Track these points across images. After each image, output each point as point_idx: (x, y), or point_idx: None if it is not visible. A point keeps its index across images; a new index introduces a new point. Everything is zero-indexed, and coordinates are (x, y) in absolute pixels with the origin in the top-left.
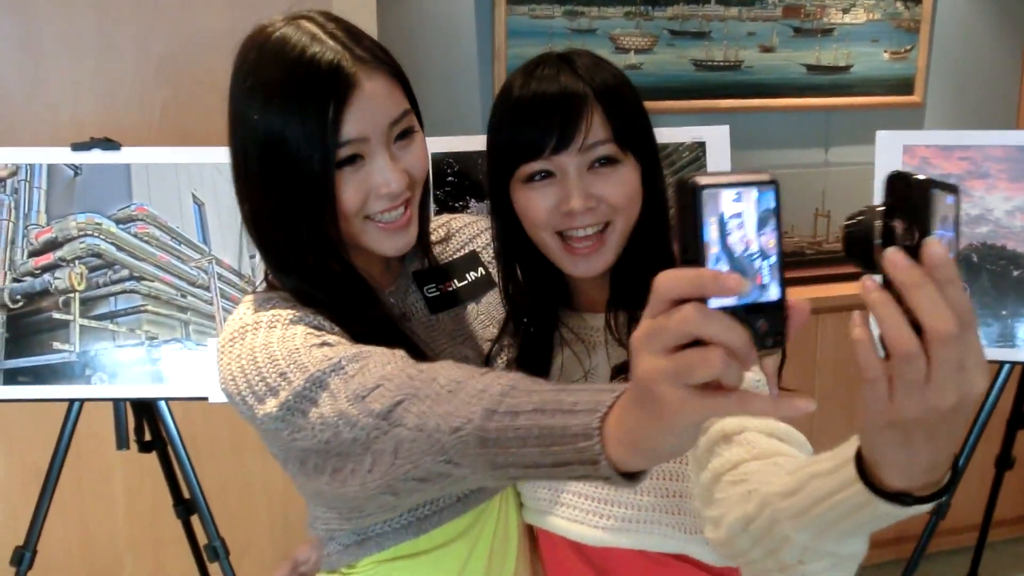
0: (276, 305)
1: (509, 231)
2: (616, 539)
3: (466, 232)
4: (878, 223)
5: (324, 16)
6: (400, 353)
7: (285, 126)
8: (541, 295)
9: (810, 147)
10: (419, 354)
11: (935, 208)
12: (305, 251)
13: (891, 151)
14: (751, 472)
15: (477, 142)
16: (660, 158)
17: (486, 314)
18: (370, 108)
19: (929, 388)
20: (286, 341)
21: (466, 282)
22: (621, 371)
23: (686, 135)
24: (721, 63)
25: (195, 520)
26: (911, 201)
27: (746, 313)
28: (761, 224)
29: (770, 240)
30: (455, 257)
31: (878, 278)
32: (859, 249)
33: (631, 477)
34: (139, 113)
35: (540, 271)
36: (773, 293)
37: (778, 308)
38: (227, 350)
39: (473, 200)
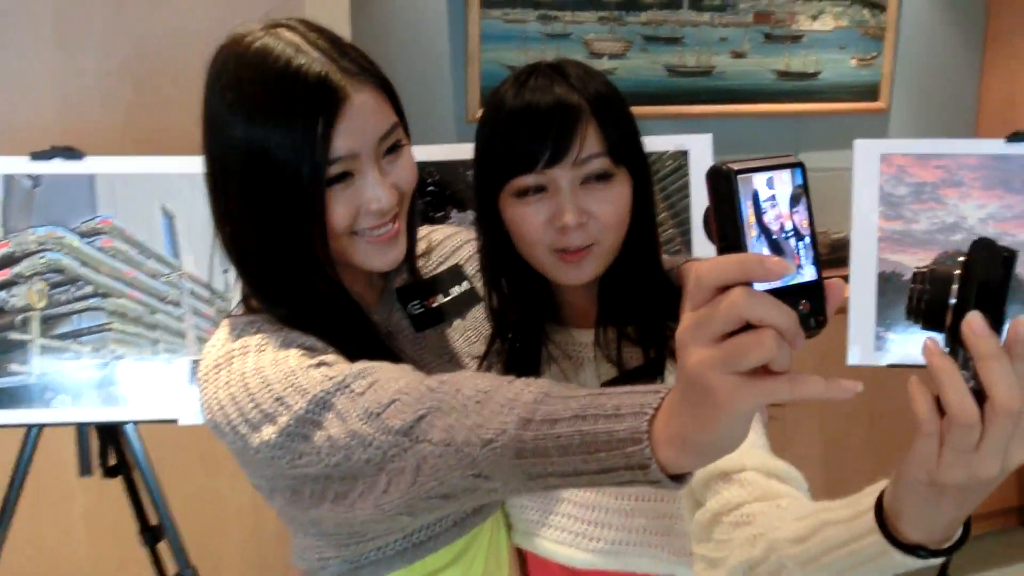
0: (261, 328)
1: (496, 244)
2: (606, 562)
3: (447, 245)
4: (955, 286)
5: (304, 25)
6: (408, 367)
7: (271, 143)
8: (528, 309)
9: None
10: None
11: (1012, 281)
12: (294, 275)
13: (869, 159)
14: (754, 514)
15: (458, 151)
16: (651, 170)
17: (472, 329)
18: (360, 123)
19: (978, 457)
20: (279, 364)
21: (450, 297)
22: None
23: (669, 143)
24: (694, 69)
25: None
26: (993, 270)
27: (788, 295)
28: (793, 204)
29: (803, 220)
30: (438, 271)
31: (937, 337)
32: (930, 309)
33: (678, 479)
34: (103, 116)
35: (527, 284)
36: (810, 273)
37: (817, 288)
38: (212, 378)
39: (455, 211)
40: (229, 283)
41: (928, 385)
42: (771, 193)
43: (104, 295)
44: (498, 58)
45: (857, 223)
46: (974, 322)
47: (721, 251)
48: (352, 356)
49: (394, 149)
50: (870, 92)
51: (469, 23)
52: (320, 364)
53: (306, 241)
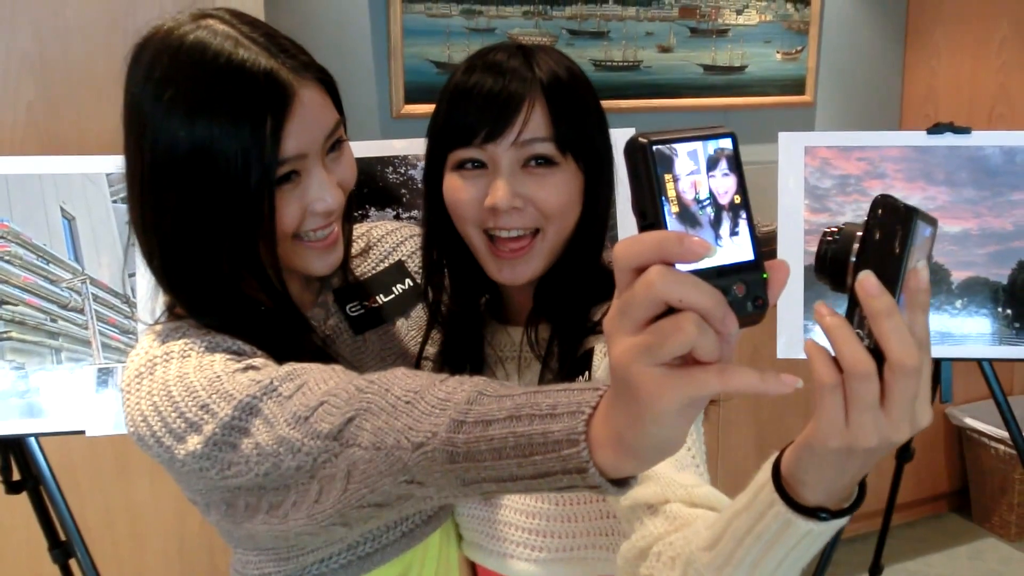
0: (187, 334)
1: (438, 226)
2: (551, 571)
3: (388, 241)
4: (856, 244)
5: (233, 15)
6: (339, 368)
7: (214, 143)
8: (466, 302)
9: None
10: None
11: (915, 237)
12: (231, 281)
13: (793, 152)
14: (675, 541)
15: (377, 147)
16: (613, 169)
17: (417, 328)
18: (307, 121)
19: (887, 419)
20: (204, 370)
21: (392, 296)
22: None
23: None
24: (620, 63)
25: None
26: (894, 226)
27: (719, 276)
28: (723, 178)
29: (735, 194)
30: (379, 270)
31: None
32: (833, 267)
33: (621, 484)
34: (2, 115)
35: (468, 276)
36: (745, 252)
37: (754, 269)
38: (134, 388)
39: (373, 209)
40: (136, 288)
41: None
42: (695, 166)
43: (0, 303)
44: (422, 53)
45: (783, 215)
46: (866, 281)
47: (642, 229)
48: (284, 360)
49: (337, 146)
50: (796, 86)
51: (391, 18)
52: (247, 368)
53: (250, 245)
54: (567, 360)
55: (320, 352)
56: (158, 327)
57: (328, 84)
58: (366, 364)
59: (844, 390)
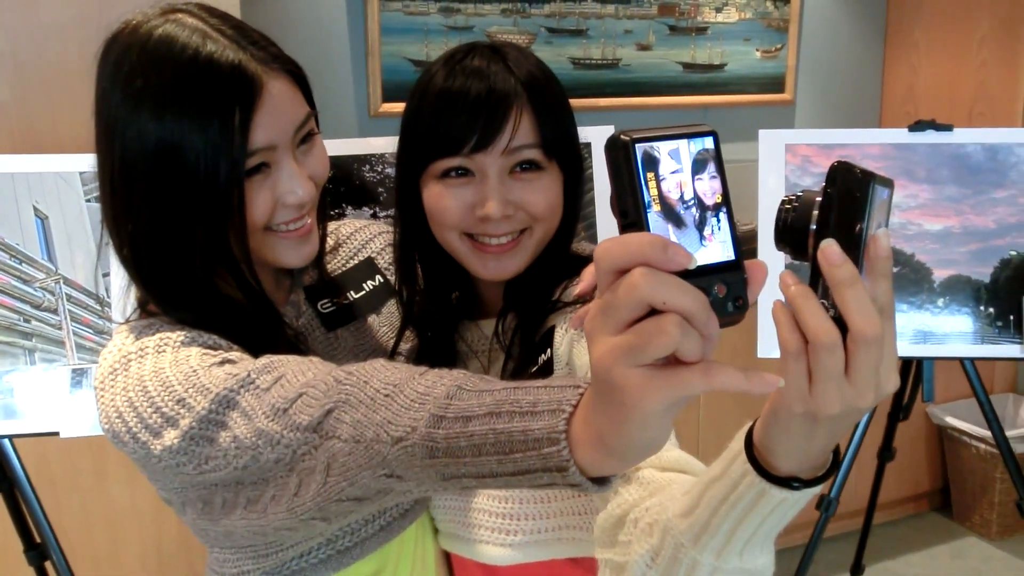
0: (160, 329)
1: (413, 229)
2: (526, 554)
3: (357, 238)
4: (816, 211)
5: (203, 9)
6: (316, 360)
7: (184, 137)
8: (440, 302)
9: None
10: None
11: (874, 201)
12: (203, 276)
13: (774, 149)
14: (651, 507)
15: (355, 146)
16: (584, 167)
17: (388, 325)
18: (276, 113)
19: (851, 387)
20: (180, 364)
21: (364, 292)
22: None
23: None
24: (599, 61)
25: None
26: (852, 192)
27: (700, 276)
28: (705, 177)
29: (717, 195)
30: (349, 266)
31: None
32: (793, 235)
33: (602, 482)
34: None
35: (443, 275)
36: (727, 252)
37: (735, 269)
38: (108, 385)
39: (350, 207)
40: (111, 288)
41: None
42: (677, 165)
43: None
44: (399, 51)
45: (764, 214)
46: (828, 249)
47: (623, 229)
48: (259, 354)
49: (308, 139)
50: (775, 84)
51: (368, 16)
52: (224, 362)
53: (221, 238)
54: (528, 342)
55: (294, 347)
56: (132, 323)
57: (298, 76)
58: (339, 361)
59: (807, 357)
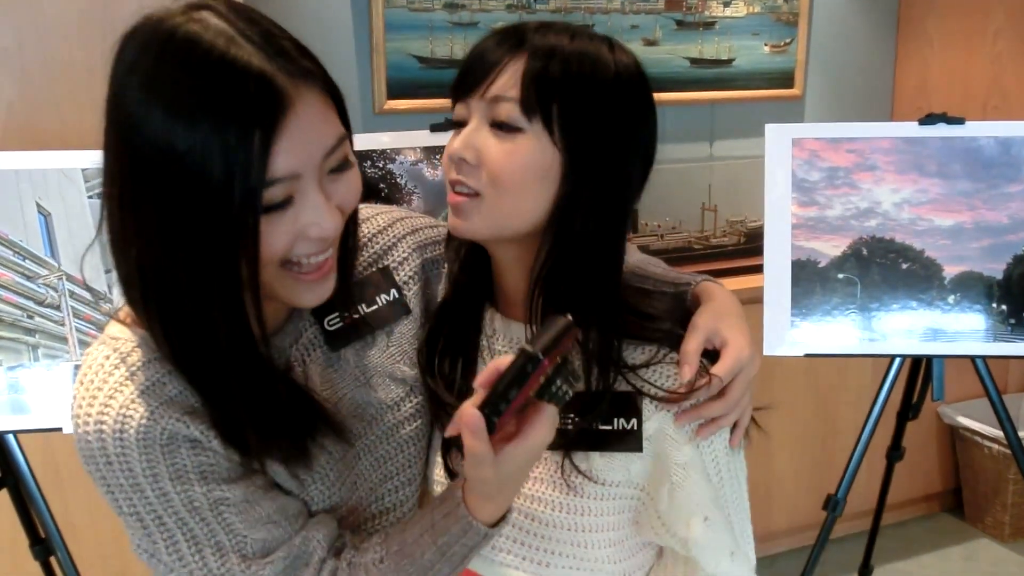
0: (142, 384)
1: None
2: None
3: (379, 242)
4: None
5: (229, 8)
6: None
7: (195, 150)
8: (462, 287)
9: (696, 141)
10: (312, 418)
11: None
12: (202, 308)
13: (780, 144)
14: None
15: (361, 141)
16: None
17: (397, 347)
18: (304, 137)
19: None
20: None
21: (375, 307)
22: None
23: None
24: None
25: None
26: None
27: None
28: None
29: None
30: (366, 274)
31: None
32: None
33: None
34: None
35: (469, 258)
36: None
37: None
38: (82, 422)
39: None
40: (110, 284)
41: None
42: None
43: None
44: (404, 48)
45: (770, 210)
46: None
47: (481, 405)
48: (238, 422)
49: (341, 168)
50: (784, 79)
51: (373, 12)
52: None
53: (230, 268)
54: (603, 395)
55: (281, 404)
56: (120, 336)
57: (334, 94)
58: (338, 386)
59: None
